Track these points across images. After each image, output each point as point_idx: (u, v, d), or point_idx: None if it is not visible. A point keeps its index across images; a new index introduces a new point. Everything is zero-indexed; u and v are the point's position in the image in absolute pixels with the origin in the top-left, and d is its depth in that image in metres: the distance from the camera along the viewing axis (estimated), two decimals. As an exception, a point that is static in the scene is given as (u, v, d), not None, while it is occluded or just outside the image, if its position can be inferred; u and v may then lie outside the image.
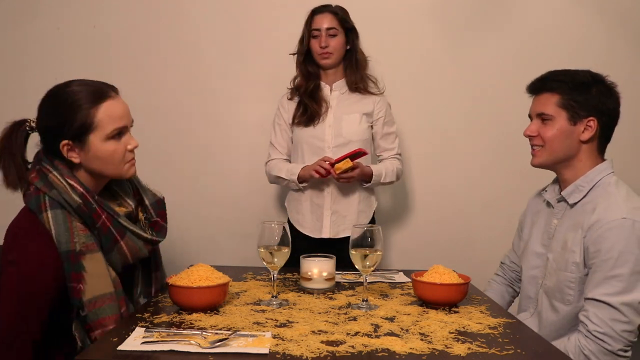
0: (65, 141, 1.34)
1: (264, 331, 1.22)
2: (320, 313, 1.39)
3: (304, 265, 1.67)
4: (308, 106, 2.19)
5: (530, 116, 1.62)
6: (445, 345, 1.17)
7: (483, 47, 2.65)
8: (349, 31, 2.20)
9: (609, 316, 1.41)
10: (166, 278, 1.58)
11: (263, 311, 1.39)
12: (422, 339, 1.20)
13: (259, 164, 2.50)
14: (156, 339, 1.14)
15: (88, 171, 1.38)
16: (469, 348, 1.16)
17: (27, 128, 1.39)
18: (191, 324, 1.27)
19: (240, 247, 2.57)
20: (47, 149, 1.38)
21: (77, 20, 2.65)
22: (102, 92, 1.38)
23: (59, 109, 1.35)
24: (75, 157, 1.36)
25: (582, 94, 1.52)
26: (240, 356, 1.08)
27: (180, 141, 2.69)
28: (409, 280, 1.71)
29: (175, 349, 1.10)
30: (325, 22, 2.16)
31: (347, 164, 2.03)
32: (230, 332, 1.19)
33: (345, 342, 1.17)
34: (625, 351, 1.43)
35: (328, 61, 2.18)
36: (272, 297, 1.49)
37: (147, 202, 1.55)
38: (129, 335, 1.17)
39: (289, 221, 2.27)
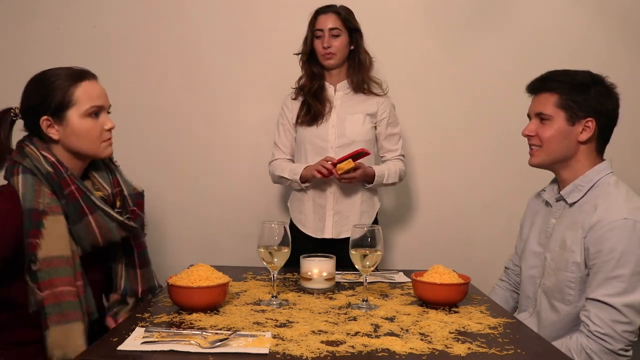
0: (45, 117, 1.40)
1: (264, 331, 1.22)
2: (320, 313, 1.39)
3: (304, 265, 1.67)
4: (312, 106, 2.19)
5: (529, 116, 1.62)
6: (445, 345, 1.17)
7: (483, 47, 2.65)
8: (353, 31, 2.20)
9: (610, 317, 1.41)
10: (156, 279, 1.59)
11: (263, 311, 1.39)
12: (422, 339, 1.20)
13: (259, 164, 2.51)
14: (156, 339, 1.14)
15: (66, 148, 1.43)
16: (469, 348, 1.16)
17: (12, 115, 1.46)
18: (191, 324, 1.28)
19: (240, 247, 2.58)
20: (28, 127, 1.45)
21: (77, 20, 2.65)
22: (81, 73, 1.46)
23: (40, 88, 1.42)
24: (54, 133, 1.42)
25: (580, 95, 1.52)
26: (240, 356, 1.08)
27: (180, 141, 2.69)
28: (409, 280, 1.71)
29: (175, 349, 1.10)
30: (328, 22, 2.16)
31: (349, 164, 2.03)
32: (230, 332, 1.19)
33: (345, 342, 1.17)
34: (626, 350, 1.44)
35: (331, 62, 2.18)
36: (272, 297, 1.49)
37: (125, 192, 1.54)
38: (129, 335, 1.17)
39: (291, 221, 2.27)
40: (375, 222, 2.26)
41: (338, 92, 2.24)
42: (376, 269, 1.78)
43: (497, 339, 1.23)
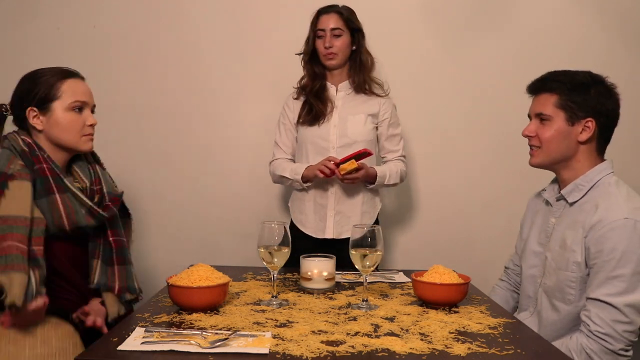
0: (31, 107, 1.49)
1: (264, 331, 1.22)
2: (320, 313, 1.39)
3: (304, 265, 1.67)
4: (313, 106, 2.19)
5: (529, 116, 1.62)
6: (445, 345, 1.17)
7: (483, 47, 2.65)
8: (355, 32, 2.19)
9: (610, 317, 1.41)
10: (137, 281, 1.59)
11: (263, 311, 1.40)
12: (422, 339, 1.20)
13: (259, 164, 2.51)
14: (156, 339, 1.14)
15: (49, 139, 1.51)
16: (469, 348, 1.16)
17: (3, 110, 1.54)
18: (191, 324, 1.28)
19: (240, 247, 2.58)
20: (17, 119, 1.54)
21: (77, 20, 2.65)
22: (69, 71, 1.55)
23: (28, 82, 1.52)
24: (38, 124, 1.50)
25: (580, 95, 1.52)
26: (240, 356, 1.08)
27: (180, 141, 2.69)
28: (409, 280, 1.71)
29: (175, 349, 1.10)
30: (330, 22, 2.16)
31: (352, 164, 2.03)
32: (230, 332, 1.19)
33: (345, 342, 1.17)
34: (627, 350, 1.44)
35: (333, 62, 2.18)
36: (272, 297, 1.49)
37: (104, 189, 1.59)
38: (129, 335, 1.17)
39: (291, 221, 2.27)
40: (376, 222, 2.26)
41: (340, 92, 2.24)
42: (376, 269, 1.78)
43: (497, 339, 1.23)
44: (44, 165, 1.46)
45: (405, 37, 2.65)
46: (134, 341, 1.14)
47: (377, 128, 2.24)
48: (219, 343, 1.13)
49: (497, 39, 2.64)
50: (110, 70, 2.66)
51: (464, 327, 1.30)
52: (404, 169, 2.26)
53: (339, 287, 1.69)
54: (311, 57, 2.22)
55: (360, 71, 2.21)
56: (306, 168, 2.15)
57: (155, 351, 1.09)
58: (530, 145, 1.61)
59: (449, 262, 1.61)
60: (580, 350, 1.43)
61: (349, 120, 2.19)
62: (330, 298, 1.56)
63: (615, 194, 1.49)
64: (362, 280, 1.57)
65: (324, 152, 2.17)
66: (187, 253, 2.58)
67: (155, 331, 1.19)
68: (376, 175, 2.14)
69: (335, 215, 2.19)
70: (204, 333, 1.19)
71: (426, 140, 2.68)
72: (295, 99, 2.26)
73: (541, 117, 1.56)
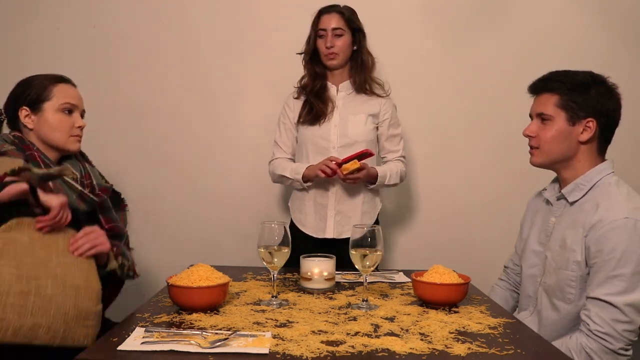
0: (24, 107, 1.57)
1: (264, 331, 1.22)
2: (320, 313, 1.39)
3: (304, 265, 1.67)
4: (314, 105, 2.19)
5: (530, 116, 1.62)
6: (445, 345, 1.17)
7: (483, 47, 2.65)
8: (356, 32, 2.19)
9: (610, 316, 1.41)
10: (132, 260, 1.64)
11: (263, 311, 1.40)
12: (422, 339, 1.20)
13: (259, 164, 2.51)
14: (156, 339, 1.14)
15: (38, 137, 1.57)
16: (469, 348, 1.16)
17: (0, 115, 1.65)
18: (191, 324, 1.28)
19: (240, 247, 2.58)
20: (10, 121, 1.61)
21: (77, 20, 2.65)
22: (61, 77, 1.63)
23: (22, 86, 1.60)
24: (29, 123, 1.57)
25: (581, 95, 1.52)
26: (240, 356, 1.08)
27: (180, 141, 2.69)
28: (409, 280, 1.71)
29: (175, 349, 1.10)
30: (332, 22, 2.16)
31: (354, 164, 2.03)
32: (230, 332, 1.19)
33: (345, 342, 1.17)
34: (626, 350, 1.44)
35: (334, 62, 2.18)
36: (272, 297, 1.49)
37: (94, 182, 1.64)
38: (129, 335, 1.17)
39: (291, 221, 2.27)
40: (376, 222, 2.26)
41: (340, 92, 2.24)
42: (376, 269, 1.78)
43: (497, 339, 1.23)
44: (35, 153, 1.54)
45: (406, 37, 2.65)
46: (134, 341, 1.14)
47: (377, 128, 2.24)
48: (219, 343, 1.13)
49: (497, 39, 2.64)
50: (110, 70, 2.66)
51: (464, 327, 1.30)
52: (404, 170, 2.26)
53: (339, 287, 1.69)
54: (312, 56, 2.22)
55: (361, 71, 2.21)
56: (307, 168, 2.14)
57: (155, 351, 1.09)
58: (530, 146, 1.61)
59: (449, 262, 1.61)
60: (580, 349, 1.43)
61: (350, 120, 2.19)
62: (330, 298, 1.56)
63: (615, 193, 1.49)
64: (362, 280, 1.57)
65: (325, 152, 2.17)
66: (187, 253, 2.58)
67: (155, 331, 1.19)
68: (377, 176, 2.14)
69: (335, 215, 2.19)
70: (204, 333, 1.19)
71: (426, 140, 2.68)
72: (296, 98, 2.26)
73: (542, 117, 1.56)
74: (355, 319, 1.35)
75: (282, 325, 1.28)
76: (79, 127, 1.61)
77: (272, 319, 1.32)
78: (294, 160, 2.27)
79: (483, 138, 2.67)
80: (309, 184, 2.18)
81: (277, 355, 1.09)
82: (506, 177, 2.65)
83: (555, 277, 1.55)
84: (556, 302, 1.54)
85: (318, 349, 1.12)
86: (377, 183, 2.16)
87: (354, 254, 1.46)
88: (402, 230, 2.72)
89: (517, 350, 1.16)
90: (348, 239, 1.49)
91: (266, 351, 1.10)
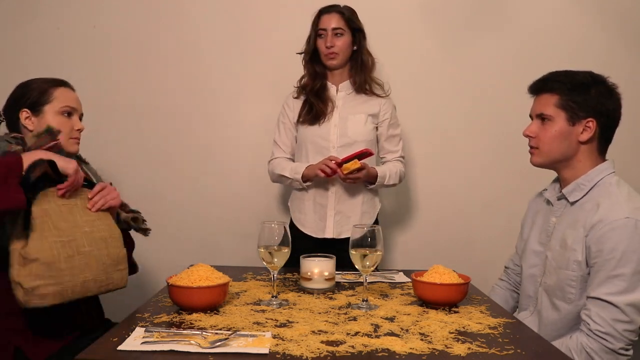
0: (24, 109, 1.60)
1: (264, 331, 1.22)
2: (320, 313, 1.39)
3: (304, 265, 1.67)
4: (314, 105, 2.19)
5: (531, 116, 1.62)
6: (445, 345, 1.17)
7: (483, 47, 2.65)
8: (356, 32, 2.19)
9: (611, 316, 1.41)
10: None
11: (263, 311, 1.39)
12: (422, 339, 1.20)
13: (259, 164, 2.50)
14: (156, 339, 1.14)
15: None
16: (469, 348, 1.16)
17: None
18: (191, 324, 1.28)
19: (240, 247, 2.58)
20: (9, 123, 1.64)
21: (77, 20, 2.65)
22: (61, 80, 1.68)
23: (21, 89, 1.64)
24: (30, 124, 1.61)
25: (580, 95, 1.52)
26: (240, 356, 1.08)
27: (180, 141, 2.69)
28: (409, 280, 1.71)
29: (175, 349, 1.10)
30: (332, 22, 2.16)
31: (355, 164, 2.03)
32: (230, 332, 1.19)
33: (345, 342, 1.17)
34: (627, 350, 1.44)
35: (334, 62, 2.18)
36: (272, 297, 1.49)
37: (94, 180, 1.69)
38: (129, 335, 1.17)
39: (291, 221, 2.27)
40: (376, 222, 2.26)
41: (340, 92, 2.24)
42: (376, 269, 1.78)
43: (497, 339, 1.23)
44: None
45: (406, 37, 2.65)
46: (134, 341, 1.14)
47: (377, 128, 2.24)
48: (219, 343, 1.13)
49: (498, 39, 2.64)
50: (110, 70, 2.66)
51: (464, 327, 1.30)
52: (403, 170, 2.26)
53: (339, 287, 1.69)
54: (312, 56, 2.22)
55: (361, 71, 2.21)
56: (307, 167, 2.14)
57: (155, 351, 1.09)
58: (530, 146, 1.61)
59: (449, 262, 1.61)
60: (581, 349, 1.43)
61: (350, 120, 2.19)
62: (330, 298, 1.55)
63: (616, 193, 1.49)
64: (362, 280, 1.57)
65: (324, 151, 2.17)
66: (187, 253, 2.58)
67: (155, 331, 1.19)
68: (377, 176, 2.14)
69: (335, 215, 2.19)
70: (204, 333, 1.19)
71: (426, 141, 2.68)
72: (296, 98, 2.26)
73: (542, 118, 1.56)
74: (355, 319, 1.35)
75: (282, 325, 1.28)
76: (78, 129, 1.66)
77: (272, 319, 1.32)
78: (293, 160, 2.27)
79: (483, 138, 2.67)
80: (308, 183, 2.18)
81: (277, 355, 1.09)
82: (506, 177, 2.65)
83: (555, 277, 1.55)
84: (556, 302, 1.54)
85: (318, 349, 1.12)
86: (376, 183, 2.16)
87: (354, 254, 1.46)
88: (402, 230, 2.72)
89: (517, 350, 1.16)
90: (347, 238, 1.49)
91: (266, 351, 1.10)
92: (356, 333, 1.24)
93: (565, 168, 1.58)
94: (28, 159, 1.36)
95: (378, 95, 2.23)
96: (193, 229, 2.69)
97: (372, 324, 1.31)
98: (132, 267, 1.67)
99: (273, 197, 2.70)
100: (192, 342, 1.13)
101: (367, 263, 1.46)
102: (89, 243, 1.43)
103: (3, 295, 1.45)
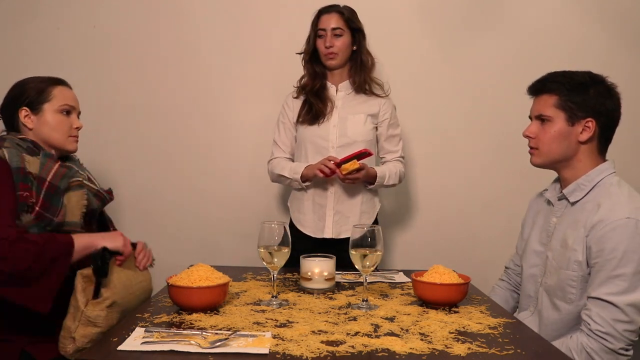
0: (24, 108, 1.60)
1: (264, 331, 1.22)
2: (320, 313, 1.39)
3: (304, 265, 1.67)
4: (313, 105, 2.19)
5: (530, 117, 1.62)
6: (445, 345, 1.17)
7: (483, 47, 2.65)
8: (356, 32, 2.19)
9: (611, 316, 1.41)
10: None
11: (263, 311, 1.39)
12: (422, 339, 1.20)
13: (259, 164, 2.50)
14: (156, 339, 1.14)
15: (38, 137, 1.61)
16: (469, 348, 1.16)
17: None
18: (191, 324, 1.28)
19: (240, 247, 2.58)
20: (6, 120, 1.64)
21: (77, 20, 2.65)
22: (58, 79, 1.68)
23: (19, 87, 1.64)
24: (29, 123, 1.61)
25: (579, 95, 1.52)
26: (240, 356, 1.08)
27: (180, 141, 2.69)
28: (409, 280, 1.71)
29: (175, 349, 1.10)
30: (331, 22, 2.16)
31: (354, 164, 2.03)
32: (230, 332, 1.19)
33: (345, 342, 1.17)
34: (627, 350, 1.44)
35: (333, 62, 2.18)
36: (272, 297, 1.49)
37: (97, 185, 1.73)
38: (129, 336, 1.17)
39: (291, 221, 2.27)
40: (376, 222, 2.26)
41: (340, 92, 2.24)
42: (376, 269, 1.78)
43: (497, 339, 1.23)
44: (53, 152, 1.60)
45: (406, 38, 2.65)
46: (134, 341, 1.14)
47: (376, 128, 2.24)
48: (219, 343, 1.13)
49: (497, 39, 2.64)
50: (111, 70, 2.66)
51: (464, 327, 1.30)
52: (403, 170, 2.26)
53: (339, 287, 1.69)
54: (312, 56, 2.22)
55: (361, 71, 2.21)
56: (306, 167, 2.14)
57: (155, 351, 1.09)
58: (530, 146, 1.61)
59: (449, 262, 1.61)
60: (581, 349, 1.43)
61: (349, 120, 2.19)
62: (330, 298, 1.55)
63: (617, 193, 1.49)
64: (362, 280, 1.57)
65: (324, 151, 2.17)
66: (187, 253, 2.57)
67: (155, 331, 1.19)
68: (376, 176, 2.14)
69: (334, 215, 2.19)
70: (204, 333, 1.19)
71: (426, 141, 2.68)
72: (295, 98, 2.26)
73: (542, 118, 1.56)
74: (355, 319, 1.35)
75: (282, 325, 1.28)
76: (76, 127, 1.67)
77: (272, 319, 1.32)
78: (292, 160, 2.27)
79: (483, 138, 2.67)
80: (307, 183, 2.18)
81: (277, 355, 1.09)
82: (506, 177, 2.65)
83: (556, 277, 1.55)
84: (557, 302, 1.54)
85: (318, 349, 1.12)
86: (376, 183, 2.16)
87: (354, 254, 1.46)
88: (402, 230, 2.72)
89: (517, 350, 1.16)
90: (347, 239, 1.49)
91: (266, 351, 1.10)
92: (356, 333, 1.24)
93: (565, 168, 1.58)
94: (80, 247, 1.45)
95: (378, 95, 2.23)
96: (193, 229, 2.69)
97: (372, 324, 1.31)
98: None
99: (273, 197, 2.70)
100: (192, 342, 1.13)
101: (367, 263, 1.46)
102: (134, 306, 1.52)
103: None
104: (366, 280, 1.51)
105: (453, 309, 1.46)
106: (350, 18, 2.18)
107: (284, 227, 1.48)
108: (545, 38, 2.63)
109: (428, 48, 2.66)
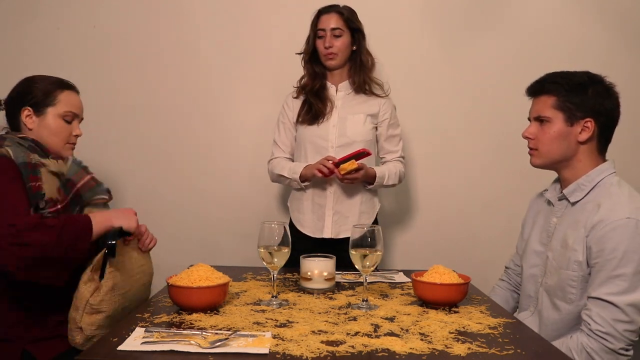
0: (27, 107, 1.60)
1: (264, 331, 1.22)
2: (320, 313, 1.39)
3: (304, 265, 1.67)
4: (313, 105, 2.19)
5: (529, 119, 1.62)
6: (445, 345, 1.17)
7: (483, 47, 2.65)
8: (355, 32, 2.19)
9: (611, 316, 1.41)
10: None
11: (263, 311, 1.39)
12: (422, 339, 1.20)
13: (259, 164, 2.51)
14: (156, 339, 1.14)
15: (36, 138, 1.60)
16: (469, 348, 1.16)
17: None
18: (191, 324, 1.28)
19: (240, 247, 2.58)
20: (9, 115, 1.64)
21: (77, 20, 2.65)
22: (67, 83, 1.68)
23: (28, 84, 1.63)
24: (30, 123, 1.61)
25: (578, 95, 1.52)
26: (240, 356, 1.08)
27: (180, 141, 2.69)
28: (409, 280, 1.71)
29: (175, 349, 1.10)
30: (331, 22, 2.16)
31: (352, 165, 2.03)
32: (230, 332, 1.19)
33: (345, 342, 1.17)
34: (627, 350, 1.44)
35: (333, 62, 2.18)
36: (272, 297, 1.49)
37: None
38: (129, 336, 1.17)
39: (290, 221, 2.27)
40: (375, 222, 2.26)
41: (339, 92, 2.24)
42: (376, 269, 1.78)
43: (497, 339, 1.23)
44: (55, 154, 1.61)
45: (406, 38, 2.65)
46: (134, 341, 1.14)
47: (376, 128, 2.24)
48: (219, 343, 1.13)
49: (497, 39, 2.65)
50: (111, 70, 2.66)
51: (464, 327, 1.30)
52: (403, 170, 2.26)
53: (339, 287, 1.69)
54: (311, 56, 2.22)
55: (361, 71, 2.21)
56: (304, 167, 2.14)
57: (155, 351, 1.09)
58: (529, 147, 1.61)
59: (449, 262, 1.61)
60: (581, 349, 1.43)
61: (349, 120, 2.19)
62: (330, 298, 1.55)
63: (617, 193, 1.49)
64: (362, 280, 1.57)
65: (323, 151, 2.17)
66: (187, 253, 2.57)
67: (155, 331, 1.19)
68: (375, 176, 2.14)
69: (333, 215, 2.19)
70: (204, 333, 1.19)
71: (426, 141, 2.68)
72: (295, 97, 2.26)
73: (541, 119, 1.57)
74: (355, 319, 1.35)
75: (282, 325, 1.28)
76: (75, 135, 1.67)
77: (272, 319, 1.32)
78: (292, 160, 2.27)
79: (483, 138, 2.67)
80: (306, 183, 2.18)
81: (277, 355, 1.09)
82: (506, 177, 2.65)
83: (556, 277, 1.55)
84: (557, 302, 1.54)
85: (318, 349, 1.12)
86: (375, 183, 2.16)
87: (354, 254, 1.46)
88: (402, 230, 2.72)
89: (517, 350, 1.16)
90: (346, 239, 1.49)
91: (266, 351, 1.10)
92: (356, 333, 1.24)
93: (565, 168, 1.58)
94: (98, 226, 1.45)
95: (377, 95, 2.23)
96: (193, 229, 2.69)
97: (372, 324, 1.31)
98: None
99: (273, 197, 2.70)
100: (192, 342, 1.13)
101: (367, 263, 1.46)
102: (137, 290, 1.57)
103: (9, 299, 1.46)
104: (366, 280, 1.51)
105: (453, 309, 1.46)
106: (349, 18, 2.17)
107: (284, 227, 1.48)
108: (545, 38, 2.63)
109: (428, 48, 2.66)
